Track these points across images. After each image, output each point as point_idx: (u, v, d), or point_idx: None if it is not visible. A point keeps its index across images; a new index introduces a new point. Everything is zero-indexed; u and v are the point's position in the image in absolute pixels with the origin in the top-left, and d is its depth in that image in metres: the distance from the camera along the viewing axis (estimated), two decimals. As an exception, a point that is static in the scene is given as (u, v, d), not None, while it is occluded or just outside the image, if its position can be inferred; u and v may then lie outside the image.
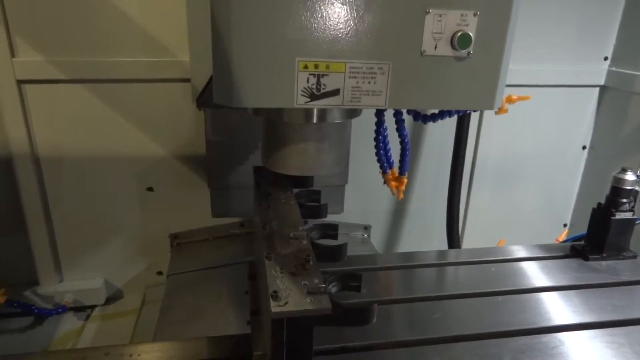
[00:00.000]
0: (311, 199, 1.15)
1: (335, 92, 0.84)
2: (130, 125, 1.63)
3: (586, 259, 1.24)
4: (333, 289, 0.81)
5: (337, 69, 0.83)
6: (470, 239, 2.01)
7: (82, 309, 1.77)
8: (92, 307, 1.79)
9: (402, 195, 1.36)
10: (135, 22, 1.51)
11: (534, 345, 0.93)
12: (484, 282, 1.17)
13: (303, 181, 1.22)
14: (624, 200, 1.20)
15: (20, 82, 1.50)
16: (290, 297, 0.71)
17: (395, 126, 1.21)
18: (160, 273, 1.83)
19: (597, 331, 0.97)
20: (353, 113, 1.02)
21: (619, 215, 1.20)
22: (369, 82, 0.84)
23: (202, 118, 1.51)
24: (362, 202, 1.89)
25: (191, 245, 1.72)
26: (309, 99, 0.84)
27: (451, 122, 1.67)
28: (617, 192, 1.20)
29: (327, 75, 0.83)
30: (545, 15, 1.77)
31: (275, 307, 0.69)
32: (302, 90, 0.83)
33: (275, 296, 0.71)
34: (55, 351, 1.47)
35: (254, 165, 1.26)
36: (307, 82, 0.82)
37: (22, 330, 1.65)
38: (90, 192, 1.68)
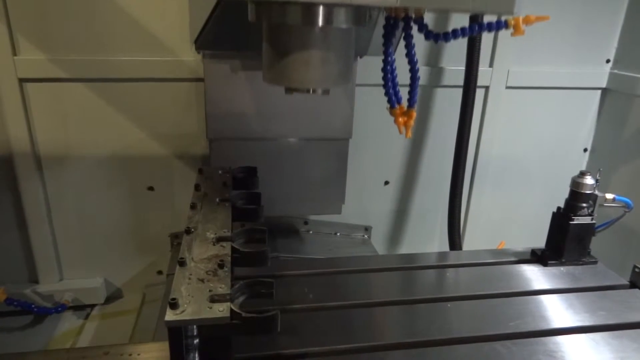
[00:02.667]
0: (249, 202, 1.12)
1: None
2: (132, 124, 1.63)
3: (545, 264, 1.23)
4: (241, 297, 0.79)
5: None
6: (472, 241, 2.01)
7: (81, 308, 1.76)
8: (92, 306, 1.78)
9: (410, 134, 1.27)
10: (137, 21, 1.51)
11: (473, 354, 0.92)
12: (435, 287, 1.17)
13: (246, 183, 1.20)
14: (583, 205, 1.18)
15: (22, 81, 1.50)
16: (190, 305, 0.70)
17: (403, 55, 1.11)
18: (160, 272, 1.83)
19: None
20: (359, 18, 0.94)
21: (578, 220, 1.19)
22: None
23: (204, 117, 1.51)
24: (362, 203, 1.89)
25: (191, 245, 1.72)
26: None
27: (453, 122, 1.68)
28: (576, 196, 1.19)
29: None
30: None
31: (169, 316, 0.68)
32: None
33: (174, 304, 0.69)
34: (55, 350, 1.46)
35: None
36: None
37: (22, 329, 1.65)
38: (90, 191, 1.68)
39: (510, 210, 2.04)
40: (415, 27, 1.01)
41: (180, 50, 1.56)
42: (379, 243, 1.98)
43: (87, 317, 1.74)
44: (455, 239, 1.75)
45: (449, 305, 1.07)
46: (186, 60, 1.56)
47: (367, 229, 1.88)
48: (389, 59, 1.10)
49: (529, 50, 1.78)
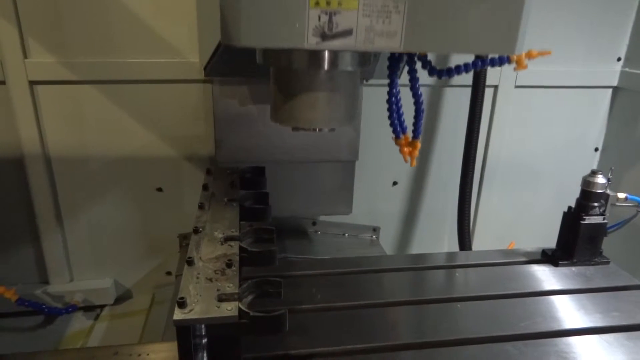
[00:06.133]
0: (257, 201, 1.12)
1: (347, 32, 0.79)
2: (141, 126, 1.64)
3: (556, 264, 1.22)
4: (249, 296, 0.80)
5: (350, 6, 0.78)
6: (481, 241, 1.99)
7: (91, 309, 1.78)
8: (102, 306, 1.80)
9: (415, 163, 1.29)
10: (146, 22, 1.52)
11: (484, 355, 0.91)
12: (445, 287, 1.16)
13: (254, 183, 1.20)
14: (595, 204, 1.17)
15: (32, 83, 1.51)
16: (198, 304, 0.70)
17: (408, 87, 1.13)
18: (169, 273, 1.84)
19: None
20: (364, 61, 0.97)
21: (589, 220, 1.17)
22: (384, 22, 0.79)
23: (212, 119, 1.52)
24: (371, 203, 1.88)
25: (200, 246, 1.72)
26: (320, 39, 0.79)
27: (462, 122, 1.66)
28: (587, 195, 1.17)
29: (340, 13, 0.78)
30: (557, 16, 1.75)
31: (177, 315, 0.68)
32: (313, 30, 0.78)
33: (182, 303, 0.70)
34: (65, 350, 1.48)
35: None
36: (319, 20, 0.78)
37: (33, 329, 1.66)
38: (100, 192, 1.69)
39: (520, 210, 2.03)
40: (419, 63, 1.06)
41: (189, 52, 1.56)
42: (387, 244, 1.97)
43: (97, 317, 1.75)
44: (465, 239, 1.74)
45: (458, 305, 1.06)
46: (194, 62, 1.56)
47: (375, 230, 1.87)
48: (394, 90, 1.13)
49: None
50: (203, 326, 0.75)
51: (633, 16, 1.82)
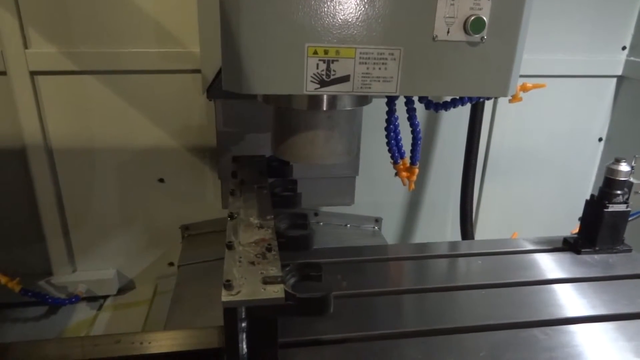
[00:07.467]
0: (287, 189, 1.14)
1: (345, 79, 0.83)
2: (142, 116, 1.63)
3: (578, 252, 1.22)
4: (292, 279, 0.81)
5: (347, 55, 0.82)
6: (484, 232, 1.99)
7: (94, 299, 1.79)
8: (105, 297, 1.80)
9: (413, 186, 1.35)
10: (147, 13, 1.51)
11: (513, 340, 0.91)
12: (470, 275, 1.16)
13: (281, 170, 1.21)
14: (618, 192, 1.17)
15: (33, 74, 1.51)
16: (244, 287, 0.71)
17: (406, 115, 1.19)
18: (171, 264, 1.84)
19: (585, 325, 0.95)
20: (363, 100, 1.01)
21: (612, 207, 1.17)
22: (380, 68, 0.83)
23: (213, 109, 1.51)
24: (373, 194, 1.88)
25: (202, 237, 1.73)
26: (318, 85, 0.83)
27: (465, 112, 1.65)
28: (611, 183, 1.17)
29: (337, 61, 0.82)
30: (561, 3, 1.73)
31: (226, 297, 0.69)
32: (312, 77, 0.82)
33: (228, 285, 0.70)
34: (68, 338, 1.48)
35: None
36: (317, 68, 0.82)
37: (37, 319, 1.67)
38: (102, 183, 1.69)
39: (523, 200, 2.02)
40: (415, 97, 1.10)
41: (190, 42, 1.56)
42: (389, 235, 1.97)
43: (100, 307, 1.76)
44: (467, 229, 1.74)
45: (483, 292, 1.06)
46: (196, 52, 1.56)
47: (377, 221, 1.87)
48: (392, 118, 1.18)
49: (543, 37, 1.75)
50: (243, 309, 0.76)
51: (639, 4, 1.79)
